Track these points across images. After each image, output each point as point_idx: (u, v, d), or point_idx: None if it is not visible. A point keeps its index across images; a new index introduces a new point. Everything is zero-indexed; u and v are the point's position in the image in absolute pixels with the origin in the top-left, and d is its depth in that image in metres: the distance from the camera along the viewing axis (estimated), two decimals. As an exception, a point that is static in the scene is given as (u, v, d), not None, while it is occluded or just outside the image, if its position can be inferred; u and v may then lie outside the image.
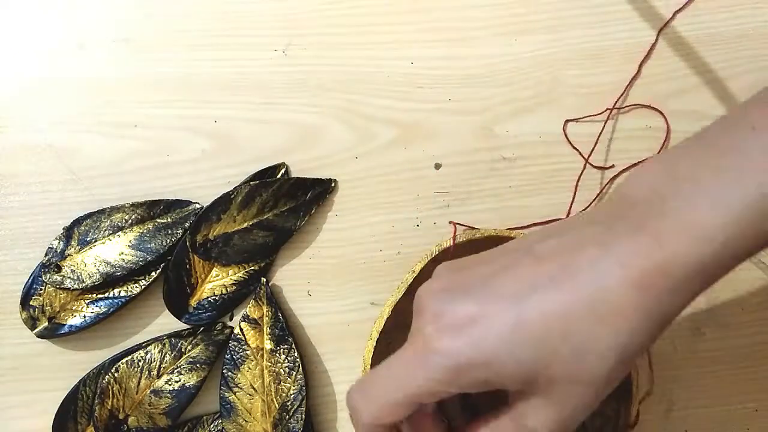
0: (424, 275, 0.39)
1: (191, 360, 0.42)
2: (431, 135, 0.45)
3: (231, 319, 0.44)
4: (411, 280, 0.38)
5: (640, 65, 0.46)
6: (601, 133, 0.45)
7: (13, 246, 0.44)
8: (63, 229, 0.43)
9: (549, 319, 0.27)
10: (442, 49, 0.46)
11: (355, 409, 0.31)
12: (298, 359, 0.42)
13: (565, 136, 0.45)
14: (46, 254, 0.42)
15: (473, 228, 0.42)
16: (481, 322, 0.28)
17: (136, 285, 0.43)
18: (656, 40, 0.46)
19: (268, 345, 0.42)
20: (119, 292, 0.43)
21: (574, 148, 0.45)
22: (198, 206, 0.44)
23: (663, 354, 0.44)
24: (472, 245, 0.39)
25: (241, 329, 0.42)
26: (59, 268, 0.42)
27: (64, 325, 0.42)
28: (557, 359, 0.27)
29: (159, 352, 0.42)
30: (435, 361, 0.28)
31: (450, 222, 0.44)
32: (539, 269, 0.28)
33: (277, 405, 0.41)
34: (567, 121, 0.45)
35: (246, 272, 0.43)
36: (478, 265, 0.30)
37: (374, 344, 0.37)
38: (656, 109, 0.46)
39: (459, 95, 0.45)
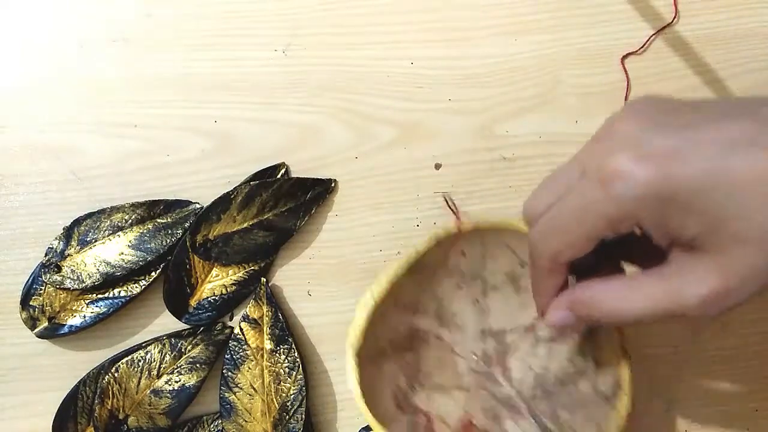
0: (426, 257, 0.39)
1: (191, 360, 0.42)
2: (431, 135, 0.45)
3: (231, 319, 0.44)
4: (413, 260, 0.38)
5: (640, 65, 0.46)
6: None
7: (13, 246, 0.44)
8: (63, 229, 0.43)
9: (759, 175, 0.25)
10: (442, 49, 0.46)
11: (535, 247, 0.31)
12: (298, 359, 0.42)
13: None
14: (46, 254, 0.42)
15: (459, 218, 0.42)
16: (683, 158, 0.26)
17: (136, 285, 0.43)
18: (655, 40, 0.46)
19: (268, 345, 0.42)
20: (119, 292, 0.43)
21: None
22: (198, 206, 0.44)
23: (663, 354, 0.44)
24: (477, 233, 0.39)
25: (241, 329, 0.42)
26: (59, 268, 0.42)
27: (64, 325, 0.42)
28: (754, 217, 0.26)
29: (159, 352, 0.42)
30: (621, 187, 0.27)
31: (438, 193, 0.44)
32: (762, 128, 0.26)
33: (277, 405, 0.41)
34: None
35: (246, 272, 0.43)
36: (688, 111, 0.28)
37: (372, 311, 0.37)
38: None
39: (459, 95, 0.45)
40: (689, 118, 0.28)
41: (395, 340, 0.41)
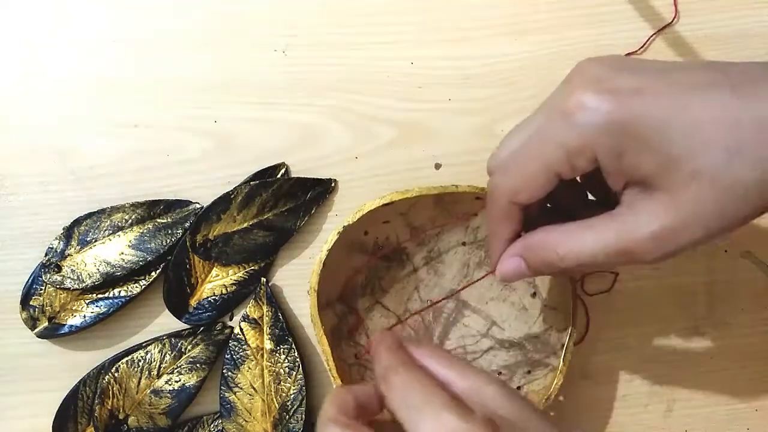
0: (463, 200, 0.40)
1: (191, 360, 0.42)
2: (431, 135, 0.45)
3: (231, 319, 0.44)
4: (450, 192, 0.39)
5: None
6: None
7: (13, 246, 0.44)
8: (63, 229, 0.43)
9: (716, 115, 0.26)
10: (442, 49, 0.46)
11: (493, 190, 0.32)
12: (298, 359, 0.42)
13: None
14: (46, 254, 0.42)
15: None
16: (645, 94, 0.27)
17: (136, 285, 0.43)
18: (655, 40, 0.46)
19: (268, 345, 0.42)
20: (119, 292, 0.43)
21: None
22: (198, 206, 0.44)
23: (663, 354, 0.44)
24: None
25: (241, 329, 0.42)
26: (59, 268, 0.42)
27: (64, 325, 0.42)
28: (708, 156, 0.26)
29: (159, 352, 0.42)
30: (582, 117, 0.27)
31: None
32: (724, 78, 0.27)
33: (277, 405, 0.41)
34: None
35: (246, 272, 0.43)
36: (655, 62, 0.29)
37: (391, 200, 0.38)
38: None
39: (459, 95, 0.45)
40: (656, 66, 0.29)
41: (382, 246, 0.42)
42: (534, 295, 0.42)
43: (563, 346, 0.38)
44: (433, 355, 0.30)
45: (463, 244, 0.43)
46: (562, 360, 0.38)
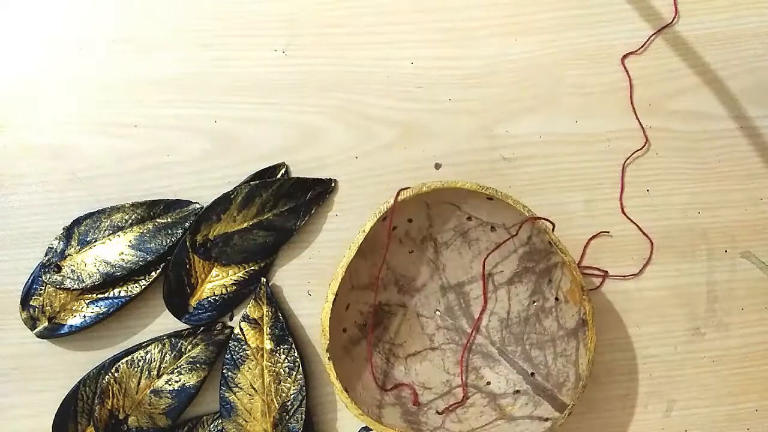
0: (372, 234, 0.39)
1: (191, 360, 0.42)
2: (431, 135, 0.45)
3: (231, 319, 0.44)
4: (361, 240, 0.38)
5: (640, 65, 0.46)
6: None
7: (13, 246, 0.44)
8: (63, 229, 0.43)
9: None
10: (442, 49, 0.46)
11: None
12: (298, 359, 0.42)
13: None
14: (46, 254, 0.42)
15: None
16: None
17: (136, 285, 0.43)
18: (655, 40, 0.46)
19: (268, 345, 0.42)
20: (119, 292, 0.43)
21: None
22: (198, 206, 0.44)
23: (663, 354, 0.44)
24: (420, 199, 0.40)
25: (241, 329, 0.42)
26: (59, 268, 0.42)
27: (64, 325, 0.42)
28: None
29: (159, 352, 0.42)
30: None
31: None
32: None
33: (277, 405, 0.41)
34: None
35: (246, 272, 0.43)
36: None
37: (331, 306, 0.38)
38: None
39: (459, 95, 0.45)
40: None
41: (361, 322, 0.42)
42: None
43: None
44: None
45: (411, 252, 0.43)
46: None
